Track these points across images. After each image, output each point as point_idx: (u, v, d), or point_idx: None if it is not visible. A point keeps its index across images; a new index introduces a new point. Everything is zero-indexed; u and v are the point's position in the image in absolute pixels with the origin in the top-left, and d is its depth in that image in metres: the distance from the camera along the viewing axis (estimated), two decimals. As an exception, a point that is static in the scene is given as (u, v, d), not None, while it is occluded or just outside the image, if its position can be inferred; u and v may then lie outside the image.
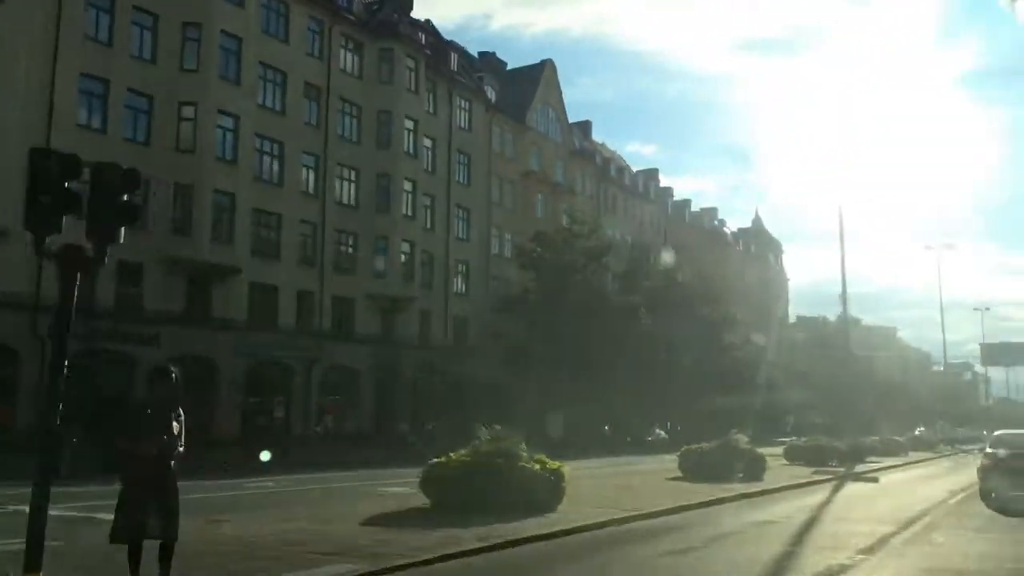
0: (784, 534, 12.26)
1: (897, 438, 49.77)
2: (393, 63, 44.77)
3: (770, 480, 21.32)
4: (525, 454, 13.39)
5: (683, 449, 22.52)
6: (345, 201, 42.72)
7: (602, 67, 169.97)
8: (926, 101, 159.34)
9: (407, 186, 45.11)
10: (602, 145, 70.57)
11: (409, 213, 45.14)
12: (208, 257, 34.75)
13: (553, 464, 13.70)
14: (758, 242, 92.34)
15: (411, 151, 45.54)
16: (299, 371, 39.38)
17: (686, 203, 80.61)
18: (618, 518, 12.96)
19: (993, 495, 17.80)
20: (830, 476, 23.99)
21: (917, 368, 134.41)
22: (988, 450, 20.17)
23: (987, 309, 76.33)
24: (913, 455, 41.72)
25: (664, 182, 78.48)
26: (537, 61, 60.78)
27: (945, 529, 13.35)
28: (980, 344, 68.07)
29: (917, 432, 64.48)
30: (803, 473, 24.83)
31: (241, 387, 36.29)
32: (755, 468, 21.95)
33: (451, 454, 13.62)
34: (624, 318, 50.85)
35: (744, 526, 13.25)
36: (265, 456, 25.67)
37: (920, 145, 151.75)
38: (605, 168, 66.75)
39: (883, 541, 11.65)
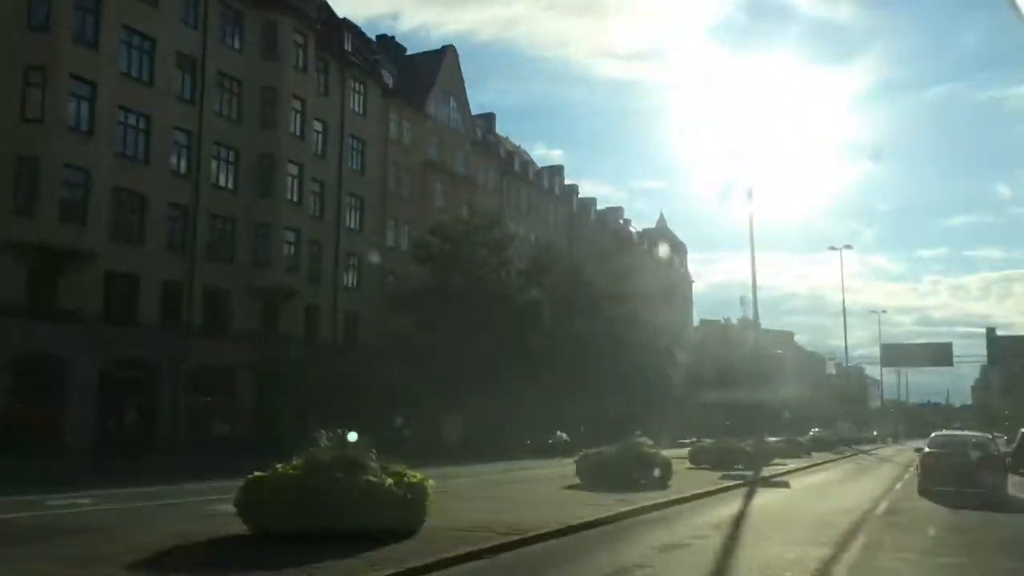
0: (698, 565, 9.58)
1: (800, 439, 48.51)
2: (278, 37, 41.09)
3: (677, 487, 18.79)
4: (375, 464, 10.32)
5: (581, 454, 19.81)
6: (222, 184, 38.89)
7: (509, 71, 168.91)
8: (821, 115, 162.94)
9: (293, 170, 41.48)
10: (506, 139, 67.96)
11: (295, 199, 41.52)
12: (56, 240, 30.51)
13: (413, 477, 10.66)
14: (663, 243, 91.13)
15: (298, 133, 41.95)
16: (165, 370, 35.35)
17: (591, 201, 78.67)
18: (490, 546, 10.02)
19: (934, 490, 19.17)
20: (739, 481, 21.64)
21: (812, 371, 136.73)
22: (927, 449, 21.57)
23: (884, 312, 76.78)
24: (816, 456, 40.25)
25: (570, 183, 76.41)
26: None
27: (890, 552, 10.89)
28: (880, 345, 68.12)
29: (812, 433, 63.85)
30: (711, 478, 22.45)
31: (94, 388, 32.08)
32: (660, 474, 19.39)
33: (278, 466, 10.46)
34: (526, 315, 48.30)
35: (647, 554, 10.48)
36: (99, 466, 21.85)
37: (815, 157, 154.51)
38: (509, 162, 64.12)
39: (824, 574, 9.04)
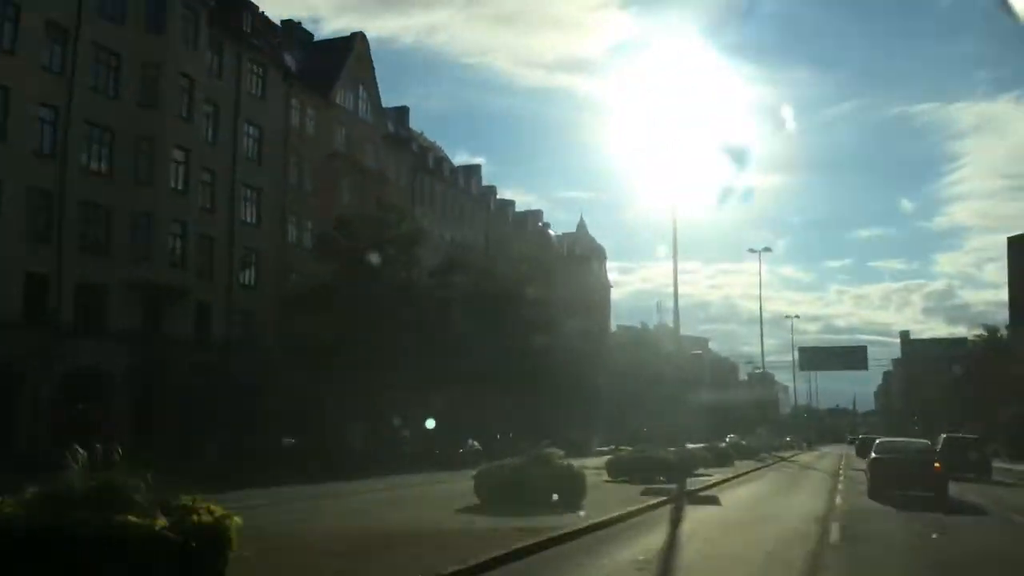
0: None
1: (721, 444, 46.20)
2: (166, 10, 36.96)
3: (592, 507, 15.70)
4: (145, 497, 6.87)
5: (479, 469, 16.53)
6: (95, 167, 34.57)
7: (431, 78, 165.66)
8: (735, 129, 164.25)
9: (178, 155, 37.41)
10: (420, 135, 64.49)
11: (180, 188, 37.39)
12: None
13: (207, 515, 7.16)
14: (582, 247, 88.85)
15: (185, 115, 37.84)
16: (26, 374, 30.90)
17: (510, 203, 75.75)
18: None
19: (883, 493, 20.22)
20: (663, 497, 18.67)
21: (726, 377, 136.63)
22: (874, 455, 22.69)
23: (797, 316, 75.84)
24: (739, 464, 37.85)
25: (488, 185, 73.41)
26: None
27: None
28: (797, 348, 66.94)
29: (729, 439, 62.01)
30: (631, 494, 19.43)
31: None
32: (573, 491, 16.30)
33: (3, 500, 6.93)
34: (437, 316, 44.93)
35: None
36: None
37: (728, 170, 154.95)
38: (423, 158, 60.69)
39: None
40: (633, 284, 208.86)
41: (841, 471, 36.26)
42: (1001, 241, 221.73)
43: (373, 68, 53.88)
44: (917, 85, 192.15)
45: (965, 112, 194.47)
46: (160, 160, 36.34)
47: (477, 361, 46.67)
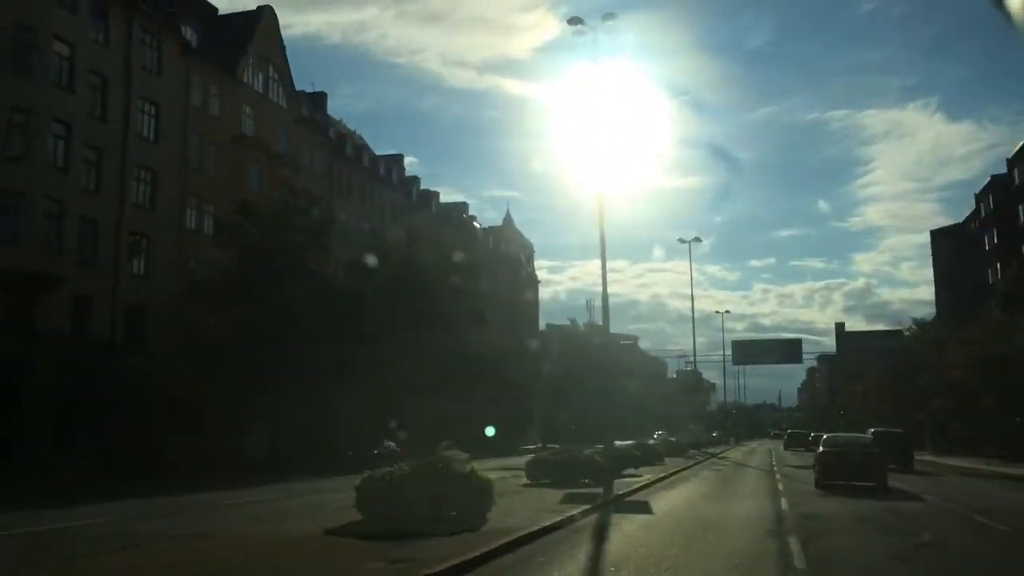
0: None
1: (650, 441, 43.82)
2: (39, -33, 32.77)
3: (497, 522, 12.70)
4: None
5: (363, 478, 13.33)
6: (-48, 139, 30.22)
7: (360, 77, 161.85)
8: (661, 132, 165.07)
9: (57, 129, 33.19)
10: (339, 122, 60.79)
11: (59, 165, 33.22)
12: None
13: None
14: (509, 242, 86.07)
15: (66, 85, 33.69)
16: None
17: (433, 195, 72.43)
18: None
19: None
20: (586, 506, 15.78)
21: (655, 375, 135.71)
22: (822, 449, 24.42)
23: (727, 311, 74.17)
24: (669, 462, 35.35)
25: (412, 176, 69.98)
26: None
27: None
28: (732, 342, 65.14)
29: (657, 436, 59.96)
30: (549, 502, 16.47)
31: None
32: (476, 501, 13.24)
33: None
34: (353, 310, 41.51)
35: None
36: None
37: (656, 170, 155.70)
38: (340, 145, 57.00)
39: None
40: (563, 284, 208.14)
41: (775, 467, 34.14)
42: (913, 240, 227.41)
43: (283, 47, 50.07)
44: (832, 92, 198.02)
45: (876, 119, 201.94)
46: (36, 134, 32.17)
47: (398, 357, 43.47)
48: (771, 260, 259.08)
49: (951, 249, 66.91)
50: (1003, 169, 58.58)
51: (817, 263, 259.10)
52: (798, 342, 66.14)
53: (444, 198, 75.17)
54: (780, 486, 22.70)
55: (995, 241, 58.68)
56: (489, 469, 20.40)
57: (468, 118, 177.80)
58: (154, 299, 38.60)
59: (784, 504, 17.17)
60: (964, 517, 15.68)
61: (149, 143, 39.39)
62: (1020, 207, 53.83)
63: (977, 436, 49.61)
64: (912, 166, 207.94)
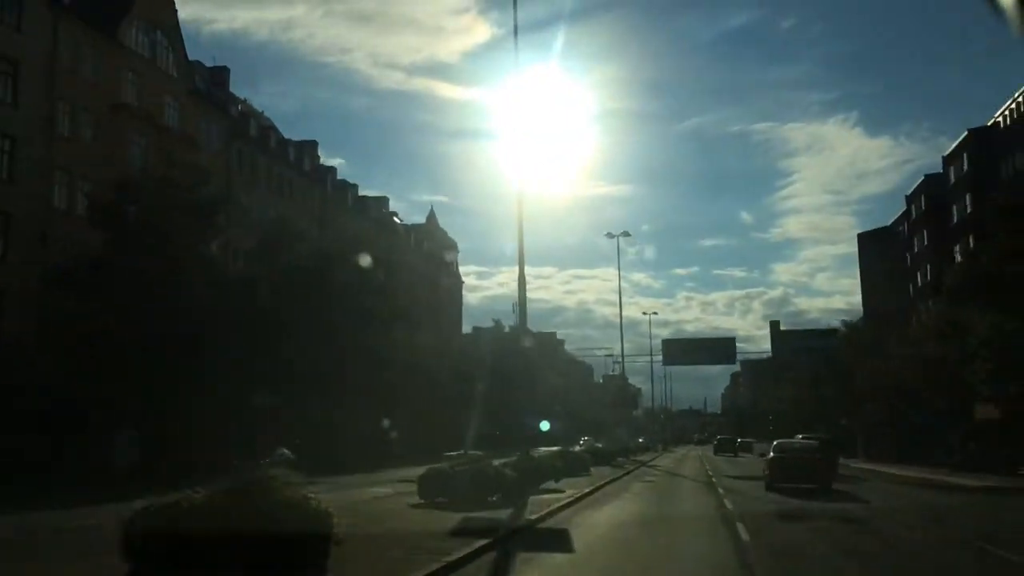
0: None
1: (575, 448, 39.71)
2: None
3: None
4: None
5: (130, 516, 8.66)
6: None
7: (287, 75, 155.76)
8: (588, 141, 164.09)
9: None
10: (244, 101, 55.46)
11: None
12: None
13: None
14: (433, 241, 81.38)
15: None
16: None
17: (351, 187, 67.33)
18: None
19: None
20: (483, 541, 11.36)
21: (580, 380, 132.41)
22: (773, 454, 25.56)
23: (655, 314, 70.72)
24: (596, 472, 31.28)
25: (329, 165, 64.85)
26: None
27: None
28: (663, 341, 61.33)
29: (583, 442, 56.08)
30: (433, 535, 12.01)
31: None
32: (308, 545, 8.70)
33: None
34: (246, 301, 36.54)
35: None
36: None
37: (584, 179, 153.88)
38: (242, 124, 51.70)
39: None
40: (492, 289, 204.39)
41: (713, 478, 30.33)
42: (830, 252, 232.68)
43: (175, 11, 44.57)
44: (756, 105, 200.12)
45: (798, 132, 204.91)
46: None
47: (303, 356, 38.63)
48: (695, 268, 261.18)
49: (878, 252, 64.81)
50: (912, 185, 56.71)
51: (739, 272, 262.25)
52: (731, 341, 63.09)
53: (365, 193, 70.23)
54: (729, 504, 18.64)
55: (926, 243, 56.53)
56: (386, 482, 16.03)
57: (398, 120, 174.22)
58: (13, 284, 33.03)
59: (744, 534, 12.98)
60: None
61: (7, 106, 33.79)
62: (955, 207, 51.64)
63: (919, 442, 46.91)
64: (831, 179, 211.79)
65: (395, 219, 74.32)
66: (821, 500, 20.23)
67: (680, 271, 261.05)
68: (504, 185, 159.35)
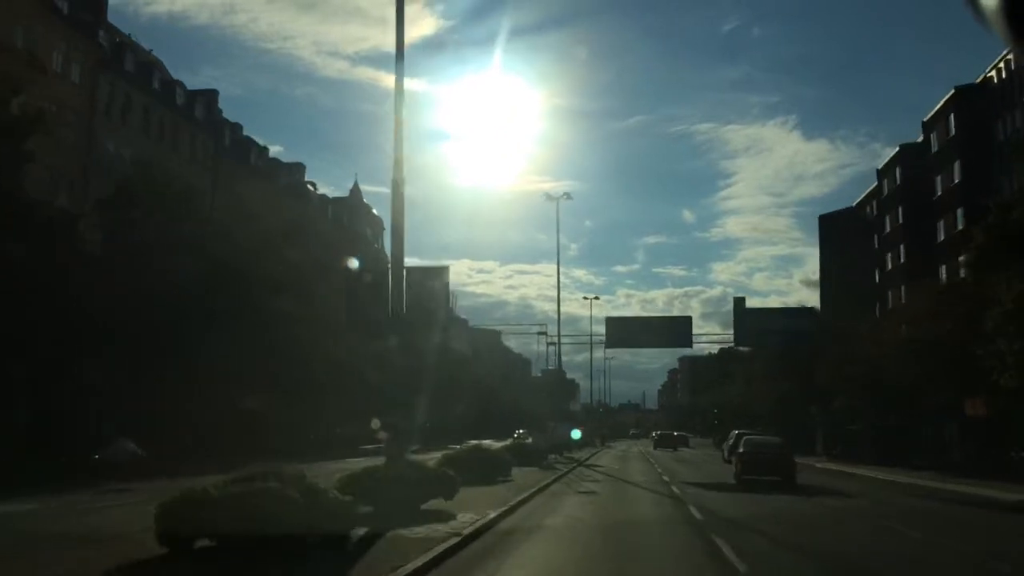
0: None
1: (497, 445, 31.47)
2: None
3: None
4: None
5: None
6: None
7: (228, 60, 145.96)
8: (532, 134, 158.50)
9: None
10: (130, 37, 45.92)
11: None
12: None
13: None
14: (355, 216, 72.44)
15: None
16: None
17: (258, 147, 58.13)
18: None
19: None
20: None
21: (519, 373, 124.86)
22: (742, 449, 26.68)
23: (596, 298, 62.73)
24: (520, 476, 23.20)
25: (234, 122, 55.45)
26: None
27: None
28: (606, 319, 52.58)
29: (517, 435, 48.11)
30: None
31: None
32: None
33: None
34: (94, 260, 27.79)
35: None
36: None
37: (527, 173, 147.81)
38: (116, 57, 42.28)
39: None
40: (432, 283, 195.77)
41: (673, 487, 22.38)
42: (767, 252, 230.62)
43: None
44: (698, 105, 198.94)
45: (738, 134, 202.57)
46: None
47: (168, 334, 30.00)
48: (635, 266, 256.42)
49: (841, 236, 58.06)
50: (845, 187, 49.98)
51: (678, 271, 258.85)
52: (687, 321, 53.85)
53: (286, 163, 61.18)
54: (726, 550, 10.49)
55: (900, 221, 49.74)
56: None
57: (341, 110, 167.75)
58: None
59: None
60: None
61: None
62: (938, 177, 44.79)
63: (896, 441, 39.94)
64: (770, 181, 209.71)
65: (308, 187, 65.11)
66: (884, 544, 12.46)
67: (621, 268, 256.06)
68: (449, 178, 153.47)
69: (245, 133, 55.89)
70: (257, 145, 57.75)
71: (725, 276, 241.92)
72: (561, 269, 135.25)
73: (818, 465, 40.22)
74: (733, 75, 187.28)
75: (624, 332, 50.58)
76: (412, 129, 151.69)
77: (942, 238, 44.13)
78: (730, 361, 79.57)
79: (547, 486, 21.45)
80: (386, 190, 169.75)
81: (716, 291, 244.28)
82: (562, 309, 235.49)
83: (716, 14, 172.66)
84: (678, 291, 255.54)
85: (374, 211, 76.18)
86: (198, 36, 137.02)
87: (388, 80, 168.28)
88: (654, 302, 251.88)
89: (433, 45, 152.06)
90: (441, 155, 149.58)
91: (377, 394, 57.19)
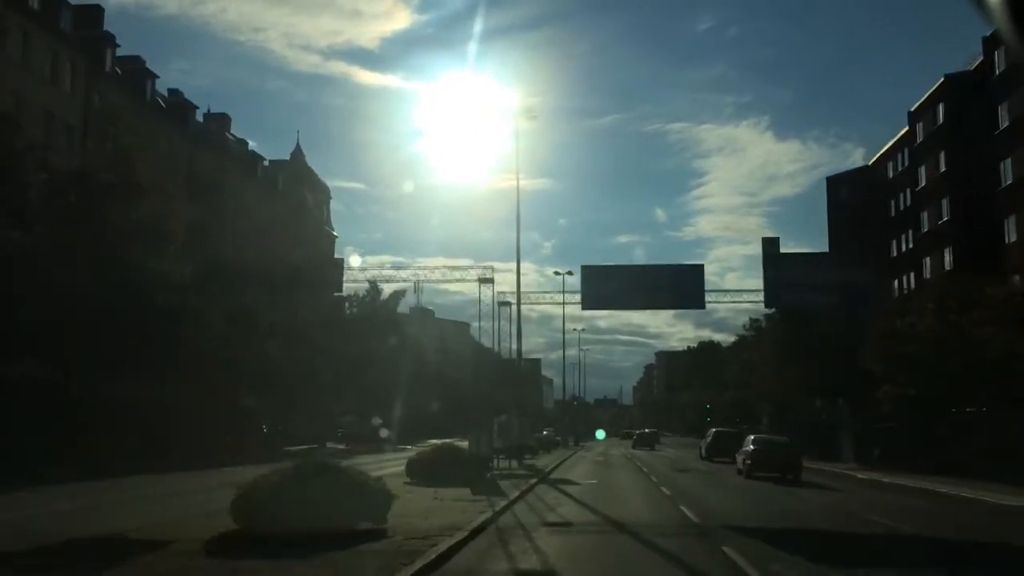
0: None
1: (415, 452, 19.95)
2: None
3: None
4: None
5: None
6: None
7: (197, 52, 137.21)
8: (506, 132, 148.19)
9: None
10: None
11: None
12: None
13: None
14: (296, 180, 60.67)
15: None
16: None
17: (170, 89, 46.41)
18: None
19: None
20: None
21: (489, 369, 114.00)
22: (752, 447, 27.16)
23: (569, 273, 51.49)
24: (414, 508, 11.95)
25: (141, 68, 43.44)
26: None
27: None
28: (581, 267, 39.14)
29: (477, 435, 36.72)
30: None
31: None
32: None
33: None
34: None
35: None
36: None
37: (500, 172, 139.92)
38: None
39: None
40: (408, 281, 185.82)
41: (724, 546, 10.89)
42: (739, 252, 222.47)
43: None
44: (672, 105, 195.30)
45: (712, 133, 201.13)
46: None
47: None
48: (609, 264, 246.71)
49: (852, 199, 47.16)
50: (816, 187, 39.04)
51: None
52: (697, 271, 38.37)
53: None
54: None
55: (943, 167, 38.86)
56: None
57: (314, 105, 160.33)
58: None
59: None
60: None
61: None
62: (1002, 107, 33.80)
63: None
64: (743, 181, 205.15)
65: (228, 134, 53.11)
66: None
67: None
68: (423, 175, 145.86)
69: (150, 65, 43.80)
70: (174, 91, 46.01)
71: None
72: (534, 267, 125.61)
73: (860, 476, 29.24)
74: (708, 75, 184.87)
75: (605, 286, 37.63)
76: (385, 126, 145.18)
77: (1010, 180, 33.19)
78: (709, 355, 68.72)
79: (453, 551, 9.70)
80: (357, 185, 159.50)
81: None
82: (538, 308, 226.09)
83: (689, 13, 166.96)
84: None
85: (318, 176, 64.38)
86: (165, 26, 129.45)
87: (361, 75, 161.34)
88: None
89: (407, 40, 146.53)
90: (415, 153, 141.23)
91: (325, 391, 45.96)
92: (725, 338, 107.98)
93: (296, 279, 52.23)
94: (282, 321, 42.49)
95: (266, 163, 57.97)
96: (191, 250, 34.69)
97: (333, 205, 67.65)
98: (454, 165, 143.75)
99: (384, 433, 41.21)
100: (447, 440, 33.94)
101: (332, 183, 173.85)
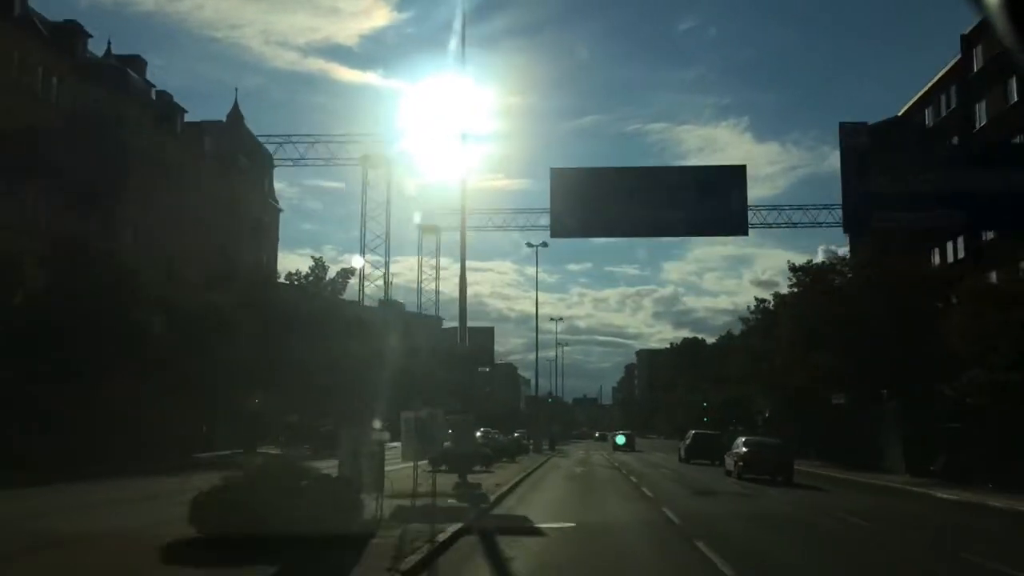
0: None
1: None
2: None
3: None
4: None
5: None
6: None
7: (173, 49, 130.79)
8: (485, 131, 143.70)
9: None
10: None
11: None
12: None
13: None
14: (231, 144, 51.21)
15: None
16: None
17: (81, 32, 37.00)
18: None
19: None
20: None
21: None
22: (743, 449, 26.99)
23: (544, 245, 42.96)
24: None
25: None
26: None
27: None
28: (551, 169, 28.70)
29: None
30: None
31: None
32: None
33: None
34: None
35: None
36: None
37: (480, 169, 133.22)
38: None
39: None
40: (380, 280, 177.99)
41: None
42: (718, 252, 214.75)
43: None
44: (652, 105, 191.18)
45: (691, 134, 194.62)
46: None
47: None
48: (588, 265, 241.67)
49: (886, 150, 38.44)
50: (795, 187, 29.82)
51: (631, 269, 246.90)
52: (740, 171, 28.63)
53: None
54: None
55: (1016, 96, 30.18)
56: None
57: (292, 102, 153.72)
58: None
59: None
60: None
61: None
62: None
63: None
64: None
65: (148, 83, 43.67)
66: None
67: (574, 267, 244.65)
68: (404, 174, 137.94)
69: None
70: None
71: (676, 275, 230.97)
72: (515, 267, 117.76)
73: (941, 495, 20.47)
74: (687, 76, 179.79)
75: (588, 207, 25.69)
76: (363, 125, 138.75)
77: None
78: (694, 352, 60.14)
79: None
80: (337, 184, 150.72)
81: (668, 290, 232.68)
82: (517, 307, 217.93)
83: (670, 14, 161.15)
84: (631, 290, 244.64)
85: (259, 140, 54.81)
86: (142, 22, 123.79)
87: (340, 72, 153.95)
88: (607, 301, 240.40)
89: (386, 38, 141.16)
90: (393, 151, 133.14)
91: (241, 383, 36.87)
92: (707, 337, 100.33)
93: (208, 247, 43.24)
94: (184, 296, 33.25)
95: (187, 119, 48.15)
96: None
97: (311, 204, 58.46)
98: (432, 164, 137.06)
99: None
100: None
101: (309, 183, 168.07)
